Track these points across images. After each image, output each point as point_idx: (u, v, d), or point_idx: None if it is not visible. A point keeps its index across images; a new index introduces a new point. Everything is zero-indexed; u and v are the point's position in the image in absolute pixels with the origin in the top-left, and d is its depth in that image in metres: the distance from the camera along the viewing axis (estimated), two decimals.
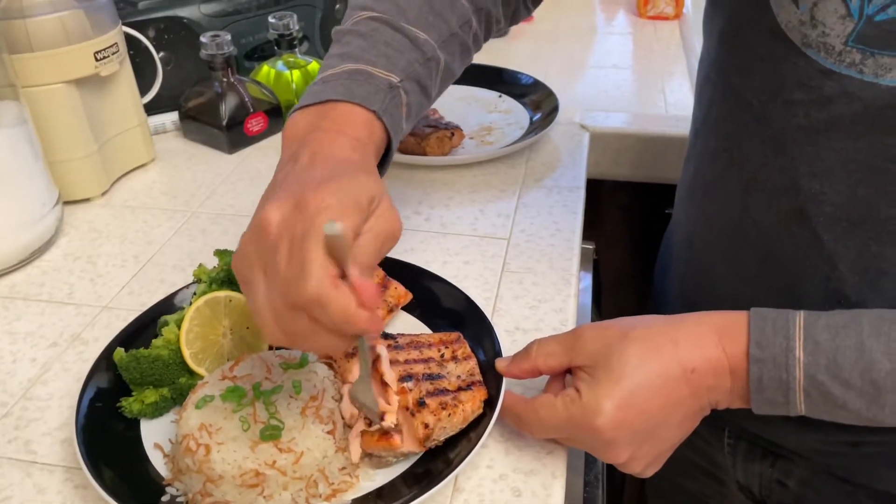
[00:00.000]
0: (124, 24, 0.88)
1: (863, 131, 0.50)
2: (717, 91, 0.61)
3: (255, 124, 0.95)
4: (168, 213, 0.83)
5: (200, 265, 0.63)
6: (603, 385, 0.48)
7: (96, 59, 0.79)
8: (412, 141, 0.89)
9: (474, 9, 0.64)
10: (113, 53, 0.81)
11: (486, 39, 0.69)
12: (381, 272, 0.65)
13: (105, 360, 0.57)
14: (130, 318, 0.62)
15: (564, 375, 0.53)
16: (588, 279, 0.91)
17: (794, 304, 0.49)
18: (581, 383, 0.50)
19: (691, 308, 0.53)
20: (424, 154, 0.88)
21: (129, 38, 0.89)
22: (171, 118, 0.99)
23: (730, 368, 0.49)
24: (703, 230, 0.65)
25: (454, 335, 0.58)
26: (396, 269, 0.66)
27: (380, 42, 0.57)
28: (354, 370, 0.53)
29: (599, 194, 1.04)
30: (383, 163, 0.56)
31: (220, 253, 0.63)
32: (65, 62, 0.76)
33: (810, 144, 0.53)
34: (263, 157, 0.94)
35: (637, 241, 1.13)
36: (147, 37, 0.94)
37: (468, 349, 0.57)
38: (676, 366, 0.49)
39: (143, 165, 0.91)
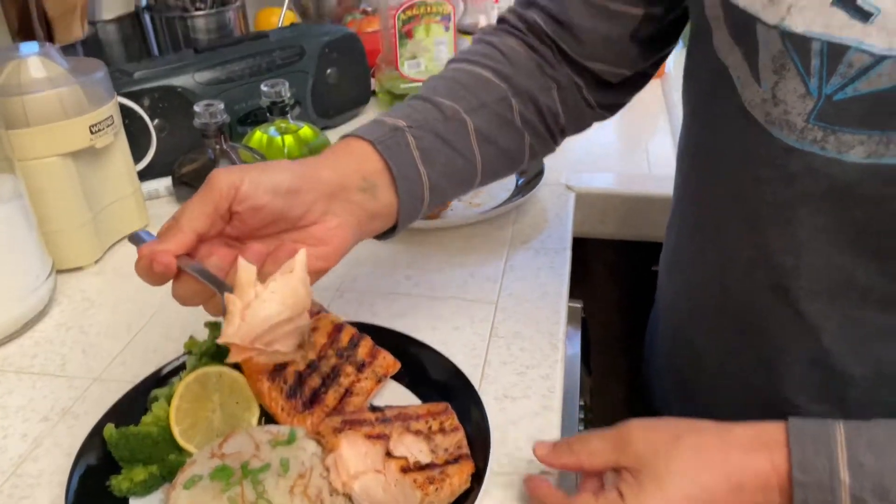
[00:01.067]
0: (120, 93, 0.90)
1: (831, 206, 0.51)
2: (693, 166, 0.62)
3: None
4: None
5: (191, 337, 0.64)
6: (648, 491, 0.47)
7: (91, 132, 0.80)
8: None
9: (513, 91, 0.65)
10: (108, 126, 0.82)
11: (546, 127, 0.69)
12: (369, 341, 0.66)
13: (95, 437, 0.57)
14: (121, 391, 0.62)
15: (602, 472, 0.52)
16: (577, 338, 0.92)
17: (778, 376, 0.49)
18: (625, 486, 0.48)
19: (680, 379, 0.52)
20: None
21: (123, 106, 0.91)
22: (164, 183, 1.01)
23: (778, 485, 0.47)
24: (685, 303, 0.66)
25: (442, 406, 0.59)
26: (384, 338, 0.67)
27: (405, 107, 0.63)
28: (343, 446, 0.53)
29: (586, 252, 1.06)
30: (401, 201, 0.60)
31: (211, 325, 0.64)
32: (60, 136, 0.78)
33: (782, 220, 0.53)
34: None
35: (624, 298, 1.15)
36: (142, 106, 0.96)
37: (456, 420, 0.58)
38: (724, 481, 0.47)
39: None
